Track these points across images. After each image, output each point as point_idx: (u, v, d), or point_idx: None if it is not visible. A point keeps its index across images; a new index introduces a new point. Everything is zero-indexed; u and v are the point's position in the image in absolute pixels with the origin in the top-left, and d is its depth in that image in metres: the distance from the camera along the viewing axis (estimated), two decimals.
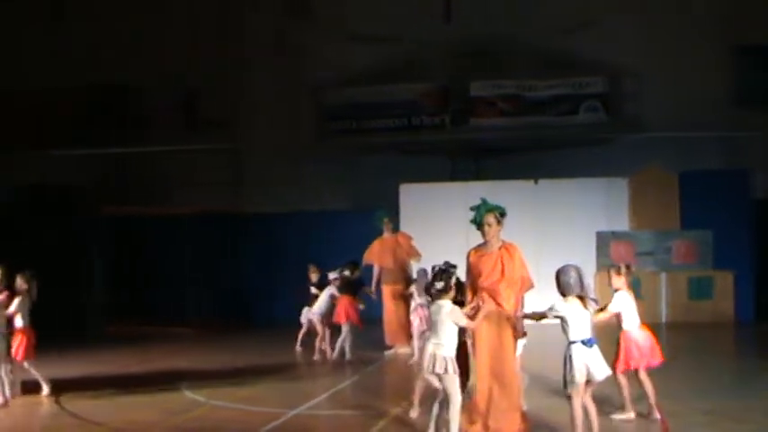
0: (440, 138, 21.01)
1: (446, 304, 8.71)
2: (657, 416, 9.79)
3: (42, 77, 23.00)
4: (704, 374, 13.22)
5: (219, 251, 21.63)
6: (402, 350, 15.44)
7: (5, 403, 11.59)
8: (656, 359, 9.95)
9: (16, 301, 11.89)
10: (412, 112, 20.97)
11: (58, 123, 23.03)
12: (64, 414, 11.15)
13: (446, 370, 8.58)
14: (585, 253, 19.01)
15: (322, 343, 15.46)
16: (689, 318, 19.12)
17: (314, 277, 15.91)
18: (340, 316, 15.12)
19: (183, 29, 22.85)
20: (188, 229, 20.93)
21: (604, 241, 19.88)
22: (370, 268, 16.31)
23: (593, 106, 20.33)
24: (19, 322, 11.91)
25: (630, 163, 20.11)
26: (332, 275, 15.54)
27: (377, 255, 16.24)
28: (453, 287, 8.88)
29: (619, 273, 10.05)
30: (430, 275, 9.33)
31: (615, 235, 19.95)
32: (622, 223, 20.13)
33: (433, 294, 8.85)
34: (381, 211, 16.63)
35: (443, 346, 8.63)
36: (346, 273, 15.26)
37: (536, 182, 20.14)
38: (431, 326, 9.02)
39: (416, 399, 10.26)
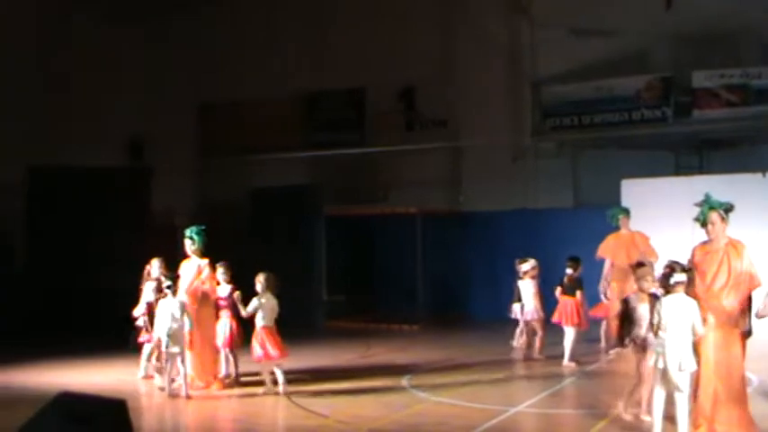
0: (661, 131, 20.48)
1: (685, 298, 8.54)
2: None
3: (267, 86, 24.08)
4: None
5: (440, 249, 21.83)
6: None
7: (187, 396, 12.14)
8: None
9: (254, 301, 12.37)
10: (632, 105, 20.51)
11: (284, 128, 24.08)
12: (292, 406, 11.54)
13: (680, 367, 8.42)
14: None
15: (534, 340, 15.41)
16: None
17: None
18: (560, 317, 14.84)
19: (402, 30, 23.22)
20: (409, 227, 21.26)
21: None
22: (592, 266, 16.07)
23: None
24: (260, 322, 12.36)
25: None
26: (524, 267, 15.40)
27: (611, 250, 15.95)
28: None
29: None
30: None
31: None
32: None
33: (669, 287, 8.67)
34: (617, 208, 16.36)
35: (679, 342, 8.45)
36: (568, 271, 15.05)
37: (764, 174, 19.28)
38: (657, 322, 8.81)
39: (636, 400, 10.10)
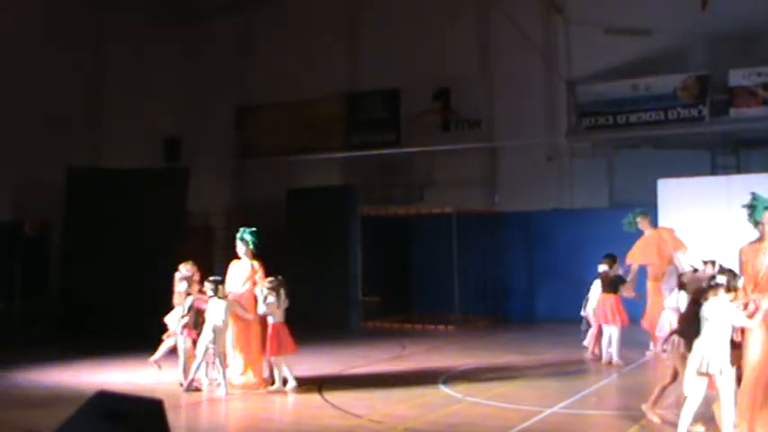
0: (698, 130, 20.33)
1: (723, 301, 8.44)
2: None
3: (303, 88, 24.29)
4: None
5: (476, 249, 21.79)
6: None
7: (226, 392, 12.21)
8: None
9: (269, 300, 12.43)
10: (669, 104, 20.38)
11: (320, 129, 24.23)
12: (327, 406, 11.55)
13: (721, 371, 8.34)
14: None
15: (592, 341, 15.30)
16: None
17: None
18: (599, 316, 14.78)
19: (437, 31, 23.25)
20: (445, 227, 21.24)
21: None
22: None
23: None
24: (270, 320, 12.46)
25: None
26: (601, 268, 15.15)
27: (639, 254, 15.82)
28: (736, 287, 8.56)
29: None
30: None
31: None
32: None
33: (709, 290, 8.58)
34: (630, 214, 16.14)
35: (717, 345, 8.38)
36: (604, 267, 14.90)
37: None
38: (683, 325, 8.72)
39: (655, 400, 10.05)
